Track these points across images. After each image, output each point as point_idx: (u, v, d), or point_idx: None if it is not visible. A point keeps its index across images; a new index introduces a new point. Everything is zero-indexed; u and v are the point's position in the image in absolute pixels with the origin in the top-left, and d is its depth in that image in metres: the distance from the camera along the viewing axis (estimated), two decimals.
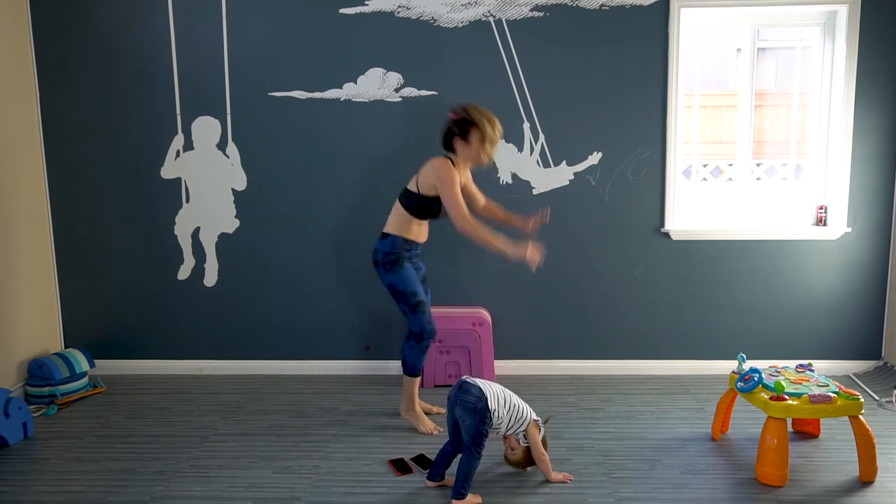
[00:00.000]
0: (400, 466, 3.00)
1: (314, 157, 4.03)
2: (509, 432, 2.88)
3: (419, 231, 3.32)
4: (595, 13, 3.86)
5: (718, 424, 3.27)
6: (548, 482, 2.86)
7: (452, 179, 3.14)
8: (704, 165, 4.22)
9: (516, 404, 2.87)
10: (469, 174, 3.41)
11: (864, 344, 4.12)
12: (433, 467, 2.86)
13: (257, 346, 4.21)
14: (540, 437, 2.89)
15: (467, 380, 2.86)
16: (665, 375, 4.11)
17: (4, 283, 3.74)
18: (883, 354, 4.12)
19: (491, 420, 2.77)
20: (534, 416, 2.90)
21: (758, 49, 4.02)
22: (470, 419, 2.75)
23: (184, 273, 4.15)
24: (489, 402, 2.77)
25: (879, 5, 3.81)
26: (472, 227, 3.13)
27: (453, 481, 2.80)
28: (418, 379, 3.44)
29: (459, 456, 2.77)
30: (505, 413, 2.82)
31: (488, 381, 2.90)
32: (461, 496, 2.68)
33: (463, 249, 4.01)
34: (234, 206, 4.09)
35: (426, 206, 3.24)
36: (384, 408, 3.68)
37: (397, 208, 3.30)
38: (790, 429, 3.32)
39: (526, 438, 2.88)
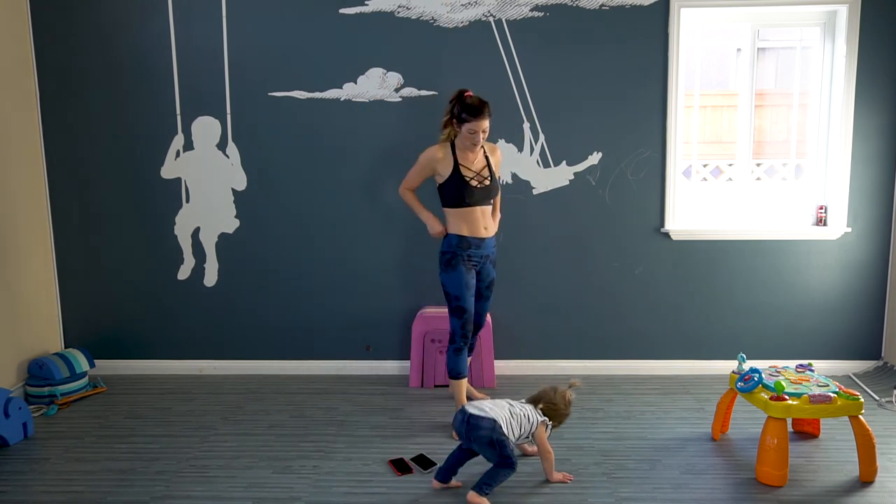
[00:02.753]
0: (400, 466, 3.00)
1: (314, 157, 4.03)
2: (521, 440, 2.87)
3: (470, 225, 3.29)
4: (595, 13, 3.86)
5: (718, 424, 3.27)
6: (548, 482, 2.86)
7: (419, 160, 3.33)
8: (704, 165, 4.22)
9: (525, 415, 2.83)
10: (489, 159, 3.36)
11: (864, 344, 4.11)
12: (443, 470, 2.83)
13: (257, 346, 4.21)
14: (548, 434, 2.88)
15: (472, 412, 2.76)
16: (665, 375, 4.10)
17: (4, 284, 3.73)
18: (883, 354, 4.12)
19: (510, 441, 2.75)
20: (541, 418, 2.88)
21: (758, 49, 4.02)
22: (490, 451, 2.71)
23: (184, 273, 4.15)
24: (503, 428, 2.73)
25: (879, 5, 3.81)
26: (403, 194, 3.44)
27: (459, 484, 2.80)
28: (462, 381, 3.39)
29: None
30: (517, 429, 2.80)
31: (491, 402, 2.85)
32: (483, 493, 2.67)
33: None
34: (234, 206, 4.09)
35: (445, 193, 3.30)
36: (384, 408, 3.68)
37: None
38: (790, 429, 3.32)
39: (533, 440, 2.88)
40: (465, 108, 3.16)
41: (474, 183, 3.26)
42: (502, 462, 2.70)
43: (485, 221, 3.32)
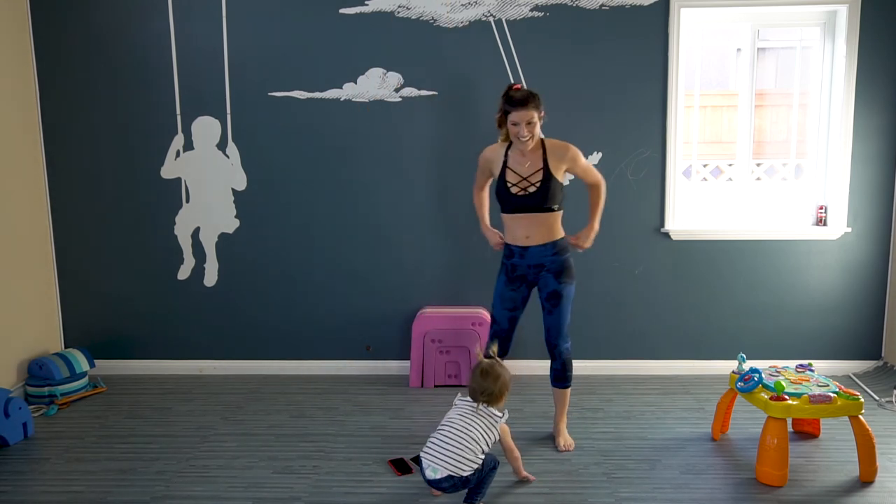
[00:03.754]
0: (400, 466, 3.00)
1: (314, 157, 4.03)
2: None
3: (511, 232, 3.09)
4: (595, 13, 3.86)
5: (718, 424, 3.27)
6: (518, 478, 2.86)
7: (479, 163, 3.24)
8: (704, 165, 4.22)
9: (489, 424, 2.67)
10: (547, 163, 3.02)
11: (864, 344, 4.11)
12: None
13: (257, 346, 4.21)
14: (504, 419, 2.74)
15: (429, 477, 2.60)
16: (665, 375, 4.10)
17: (4, 283, 3.73)
18: (883, 354, 4.12)
19: (475, 470, 2.60)
20: (498, 418, 2.71)
21: (758, 49, 4.02)
22: (467, 485, 2.62)
23: (184, 273, 4.15)
24: (461, 472, 2.56)
25: (879, 5, 3.81)
26: (474, 195, 3.38)
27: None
28: None
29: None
30: (491, 440, 2.67)
31: (451, 432, 2.62)
32: (475, 502, 2.65)
33: (462, 250, 4.01)
34: (234, 206, 4.09)
35: (496, 192, 3.12)
36: (384, 408, 3.68)
37: None
38: (790, 429, 3.32)
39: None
40: (507, 100, 2.96)
41: (515, 190, 3.00)
42: (487, 475, 2.65)
43: (528, 230, 3.03)
